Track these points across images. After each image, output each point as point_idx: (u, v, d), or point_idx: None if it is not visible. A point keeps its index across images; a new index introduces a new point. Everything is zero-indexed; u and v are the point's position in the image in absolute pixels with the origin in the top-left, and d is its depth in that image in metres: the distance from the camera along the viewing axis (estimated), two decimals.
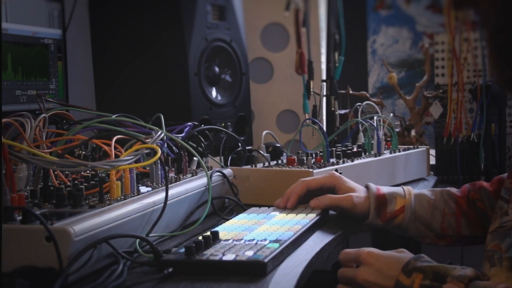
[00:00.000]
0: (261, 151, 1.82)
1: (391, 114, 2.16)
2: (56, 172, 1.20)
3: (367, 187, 1.37)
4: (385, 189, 1.36)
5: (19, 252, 0.92)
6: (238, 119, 2.16)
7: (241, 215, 1.32)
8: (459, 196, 1.36)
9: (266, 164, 1.64)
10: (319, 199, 1.34)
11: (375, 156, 1.74)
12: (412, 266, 1.05)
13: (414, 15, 2.78)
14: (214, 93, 2.07)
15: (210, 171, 1.40)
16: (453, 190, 1.38)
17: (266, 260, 1.00)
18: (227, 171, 1.51)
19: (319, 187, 1.37)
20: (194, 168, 1.44)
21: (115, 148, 1.20)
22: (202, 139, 1.51)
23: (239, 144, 1.81)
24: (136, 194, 1.16)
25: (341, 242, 1.35)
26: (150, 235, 1.12)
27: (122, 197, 1.12)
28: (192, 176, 1.38)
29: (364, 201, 1.34)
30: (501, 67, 0.99)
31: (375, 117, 1.82)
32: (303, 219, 1.27)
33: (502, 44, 0.96)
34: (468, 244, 1.37)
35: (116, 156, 1.18)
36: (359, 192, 1.35)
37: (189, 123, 1.47)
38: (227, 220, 1.31)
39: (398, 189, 1.37)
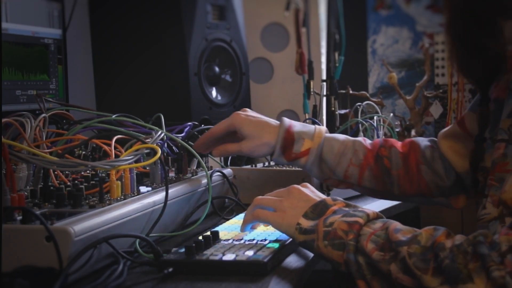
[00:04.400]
0: None
1: (391, 114, 2.16)
2: (56, 172, 1.20)
3: (281, 121, 1.39)
4: (296, 127, 1.37)
5: (19, 252, 0.92)
6: None
7: (241, 215, 1.32)
8: (369, 149, 1.39)
9: (266, 164, 1.64)
10: (218, 149, 1.37)
11: None
12: (337, 199, 1.11)
13: (414, 15, 2.78)
14: (214, 93, 2.07)
15: (210, 171, 1.40)
16: (365, 142, 1.41)
17: (266, 260, 1.00)
18: (227, 171, 1.51)
19: (224, 133, 1.38)
20: (194, 168, 1.44)
21: (115, 148, 1.20)
22: None
23: None
24: (136, 194, 1.16)
25: None
26: (150, 235, 1.12)
27: (122, 197, 1.12)
28: (192, 176, 1.38)
29: (270, 140, 1.35)
30: (458, 56, 1.11)
31: (375, 117, 1.82)
32: None
33: (459, 31, 1.08)
34: (366, 194, 1.44)
35: (116, 156, 1.18)
36: (266, 129, 1.36)
37: (189, 123, 1.47)
38: (227, 220, 1.31)
39: (309, 129, 1.38)
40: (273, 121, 1.40)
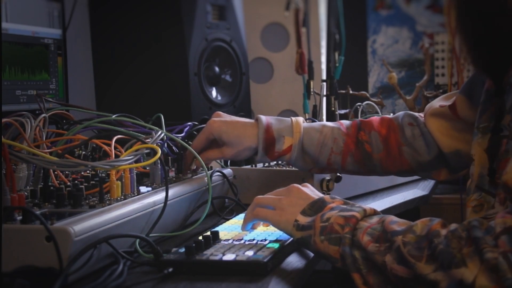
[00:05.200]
0: None
1: (391, 114, 2.15)
2: (56, 172, 1.20)
3: (257, 120, 1.41)
4: (274, 125, 1.40)
5: (19, 252, 0.92)
6: None
7: (241, 215, 1.32)
8: (348, 135, 1.42)
9: (266, 164, 1.64)
10: (201, 157, 1.36)
11: None
12: (336, 197, 1.13)
13: (414, 15, 2.78)
14: (214, 93, 2.07)
15: (210, 171, 1.40)
16: (343, 127, 1.43)
17: (266, 260, 1.00)
18: (227, 171, 1.51)
19: (206, 144, 1.41)
20: (194, 168, 1.44)
21: (115, 148, 1.20)
22: None
23: None
24: (136, 194, 1.16)
25: None
26: (150, 235, 1.12)
27: (122, 197, 1.13)
28: (192, 176, 1.38)
29: (251, 144, 1.39)
30: (470, 46, 1.09)
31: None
32: None
33: (470, 23, 1.06)
34: (351, 174, 1.48)
35: (116, 156, 1.18)
36: (245, 133, 1.39)
37: (189, 123, 1.47)
38: (227, 220, 1.31)
39: (287, 125, 1.41)
40: (249, 122, 1.42)
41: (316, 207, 1.09)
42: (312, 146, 1.41)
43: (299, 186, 1.17)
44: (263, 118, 1.42)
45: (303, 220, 1.08)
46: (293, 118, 1.43)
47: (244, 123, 1.42)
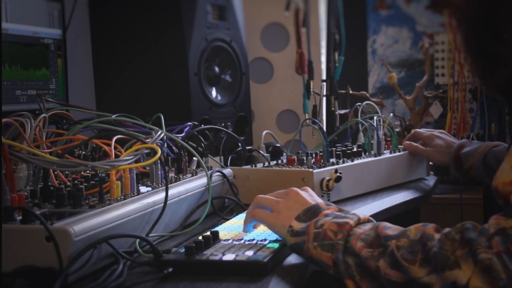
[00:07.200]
0: (261, 151, 1.82)
1: (391, 114, 2.16)
2: (56, 172, 1.20)
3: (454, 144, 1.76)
4: (466, 147, 1.73)
5: (19, 252, 0.92)
6: (238, 119, 2.16)
7: (241, 215, 1.32)
8: None
9: (266, 164, 1.64)
10: (413, 145, 1.83)
11: (375, 156, 1.74)
12: (331, 204, 1.14)
13: (414, 15, 2.78)
14: (214, 93, 2.07)
15: (210, 171, 1.40)
16: None
17: (266, 260, 1.00)
18: (227, 171, 1.51)
19: (426, 137, 1.82)
20: (194, 168, 1.43)
21: (115, 148, 1.20)
22: (202, 139, 1.51)
23: (239, 144, 1.81)
24: (136, 194, 1.16)
25: None
26: (150, 235, 1.12)
27: (122, 197, 1.12)
28: (192, 176, 1.38)
29: (445, 157, 1.78)
30: (479, 69, 1.05)
31: (375, 117, 1.82)
32: None
33: (476, 45, 1.02)
34: None
35: (116, 156, 1.18)
36: (444, 149, 1.78)
37: (189, 123, 1.47)
38: (227, 220, 1.31)
39: (474, 148, 1.70)
40: (452, 145, 1.78)
41: (311, 213, 1.10)
42: (494, 164, 1.59)
43: (298, 190, 1.16)
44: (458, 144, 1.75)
45: (297, 226, 1.08)
46: (483, 144, 1.70)
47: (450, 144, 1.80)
